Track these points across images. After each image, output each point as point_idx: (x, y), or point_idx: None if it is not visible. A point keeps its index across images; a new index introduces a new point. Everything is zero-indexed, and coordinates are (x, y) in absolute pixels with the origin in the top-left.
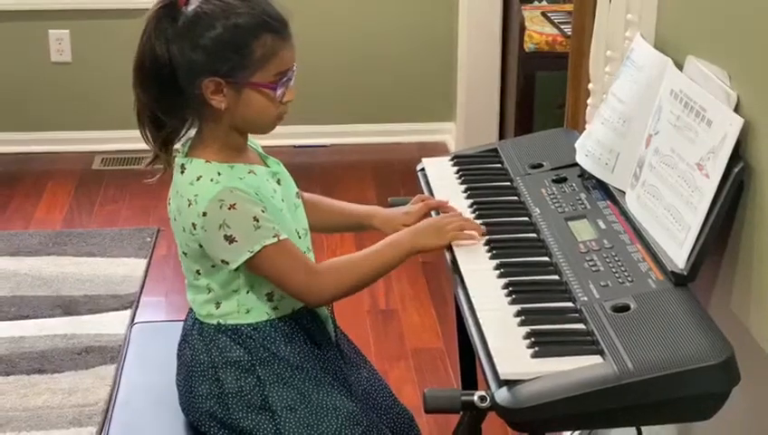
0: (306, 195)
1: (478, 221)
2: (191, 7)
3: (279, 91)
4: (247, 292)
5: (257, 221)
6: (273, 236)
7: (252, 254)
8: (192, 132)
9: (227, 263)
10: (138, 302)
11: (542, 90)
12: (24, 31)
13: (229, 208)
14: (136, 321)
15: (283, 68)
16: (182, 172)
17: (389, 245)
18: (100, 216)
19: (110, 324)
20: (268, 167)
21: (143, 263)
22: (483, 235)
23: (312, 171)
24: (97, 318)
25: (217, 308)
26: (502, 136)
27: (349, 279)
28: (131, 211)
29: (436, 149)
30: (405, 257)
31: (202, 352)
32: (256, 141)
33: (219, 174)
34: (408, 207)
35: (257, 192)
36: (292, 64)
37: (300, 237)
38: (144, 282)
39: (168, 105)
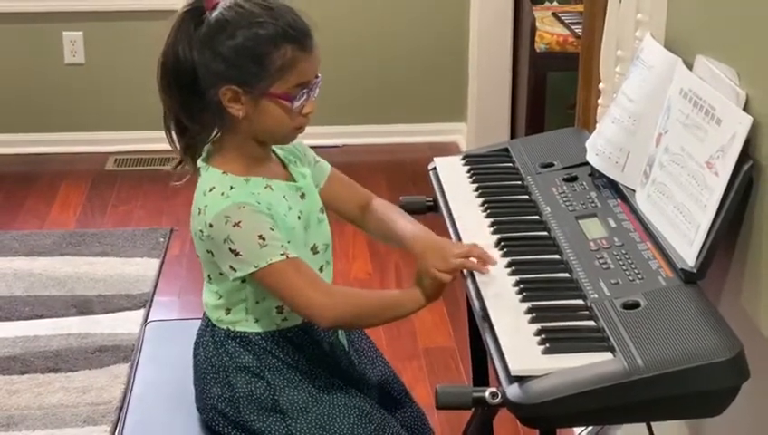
0: (375, 204)
1: (489, 220)
2: (215, 13)
3: (297, 103)
4: (256, 302)
5: (263, 240)
6: (282, 254)
7: (257, 268)
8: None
9: (234, 270)
10: (151, 301)
11: (554, 90)
12: (38, 33)
13: (234, 226)
14: (149, 320)
15: (303, 79)
16: (199, 177)
17: (407, 292)
18: (114, 216)
19: (124, 324)
20: (294, 181)
21: (156, 263)
22: (493, 263)
23: None
24: (111, 317)
25: (227, 314)
26: (513, 136)
27: (357, 308)
28: (144, 211)
29: (447, 150)
30: (418, 308)
31: (213, 355)
32: (299, 147)
33: (231, 188)
34: (452, 245)
35: (269, 208)
36: (313, 76)
37: (318, 252)
38: (157, 281)
39: (190, 110)
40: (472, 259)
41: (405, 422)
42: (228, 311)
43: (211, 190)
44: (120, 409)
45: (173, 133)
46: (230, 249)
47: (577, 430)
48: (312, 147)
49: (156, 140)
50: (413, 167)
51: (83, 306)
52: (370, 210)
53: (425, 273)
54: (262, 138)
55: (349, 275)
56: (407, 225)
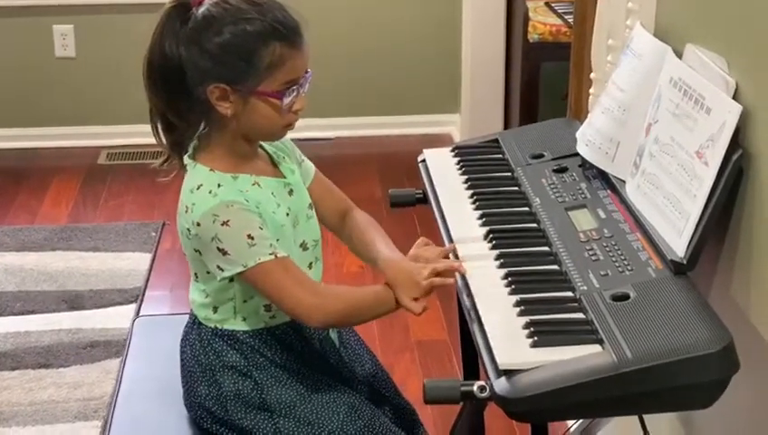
0: (356, 216)
1: (478, 212)
2: (201, 9)
3: (287, 101)
4: (244, 301)
5: (252, 239)
6: (270, 254)
7: (245, 268)
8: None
9: (222, 270)
10: (143, 296)
11: (547, 80)
12: (29, 26)
13: (222, 225)
14: (140, 314)
15: (293, 77)
16: (185, 173)
17: (388, 291)
18: (106, 210)
19: (116, 319)
20: (283, 177)
21: (148, 257)
22: (463, 272)
23: (316, 165)
24: (102, 312)
25: (214, 313)
26: (507, 127)
27: (346, 307)
28: (136, 206)
29: (441, 141)
30: (395, 310)
31: (200, 353)
32: (285, 141)
33: (219, 186)
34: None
35: (258, 206)
36: (303, 73)
37: (307, 249)
38: (149, 276)
39: (177, 107)
40: (439, 278)
41: (395, 419)
42: (216, 309)
43: (198, 188)
44: (111, 404)
45: (159, 130)
46: (218, 248)
47: (569, 423)
48: (305, 139)
49: (148, 134)
50: (406, 159)
51: (75, 301)
52: (350, 221)
53: (399, 301)
54: (250, 135)
55: (341, 269)
56: (383, 248)
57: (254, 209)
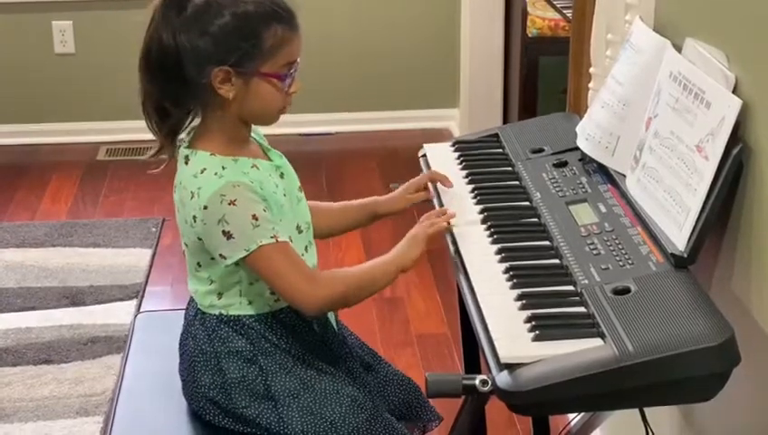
0: (316, 204)
1: (479, 206)
2: None
3: (287, 82)
4: (250, 283)
5: (256, 220)
6: (272, 237)
7: (248, 252)
8: (196, 121)
9: (224, 258)
10: (143, 291)
11: (546, 75)
12: (28, 22)
13: (229, 204)
14: (141, 310)
15: (292, 59)
16: (186, 163)
17: (381, 264)
18: (106, 206)
19: (116, 314)
20: (271, 160)
21: (148, 253)
22: (451, 216)
23: (317, 159)
24: (103, 308)
25: (219, 299)
26: (506, 122)
27: (342, 291)
28: (136, 201)
29: (440, 136)
30: (394, 277)
31: (205, 342)
32: (260, 132)
33: (224, 168)
34: (407, 184)
35: (261, 187)
36: (299, 55)
37: (302, 232)
38: (149, 272)
39: (175, 95)
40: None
41: (401, 395)
42: (220, 295)
43: (203, 172)
44: (112, 400)
45: (152, 120)
46: (223, 232)
47: (570, 416)
48: (306, 134)
49: (148, 130)
50: (406, 154)
51: (75, 297)
52: (316, 209)
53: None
54: (249, 118)
55: (342, 264)
56: (350, 202)
57: (258, 190)
